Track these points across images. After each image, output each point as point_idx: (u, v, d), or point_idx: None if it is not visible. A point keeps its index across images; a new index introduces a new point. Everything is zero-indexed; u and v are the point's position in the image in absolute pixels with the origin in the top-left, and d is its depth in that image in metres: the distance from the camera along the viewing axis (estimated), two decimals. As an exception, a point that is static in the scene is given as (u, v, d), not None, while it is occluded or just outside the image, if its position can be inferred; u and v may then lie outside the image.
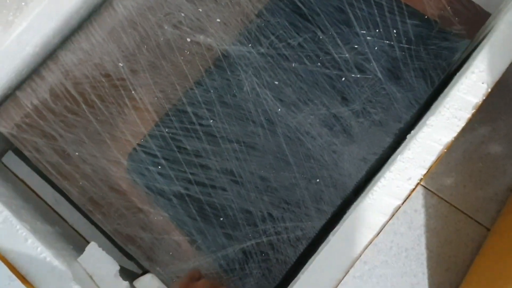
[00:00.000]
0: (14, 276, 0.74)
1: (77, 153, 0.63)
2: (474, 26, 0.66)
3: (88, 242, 0.69)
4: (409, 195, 0.54)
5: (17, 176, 0.72)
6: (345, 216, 0.58)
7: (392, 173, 0.55)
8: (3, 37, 0.59)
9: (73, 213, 0.70)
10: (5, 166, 0.72)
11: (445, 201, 0.90)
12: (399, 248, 0.88)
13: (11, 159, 0.73)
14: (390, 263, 0.88)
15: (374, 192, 0.54)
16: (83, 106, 0.64)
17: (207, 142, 0.63)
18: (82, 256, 0.56)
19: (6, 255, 0.53)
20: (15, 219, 0.55)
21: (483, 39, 0.64)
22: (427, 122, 0.57)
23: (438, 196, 0.90)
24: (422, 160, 0.56)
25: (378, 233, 0.53)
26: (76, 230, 0.71)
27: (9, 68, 0.63)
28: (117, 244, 0.63)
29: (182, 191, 0.62)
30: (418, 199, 0.90)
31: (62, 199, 0.71)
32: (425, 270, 0.87)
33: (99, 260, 0.57)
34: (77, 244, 0.66)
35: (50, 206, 0.71)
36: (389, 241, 0.88)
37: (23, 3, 0.58)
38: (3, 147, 0.71)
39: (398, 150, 0.60)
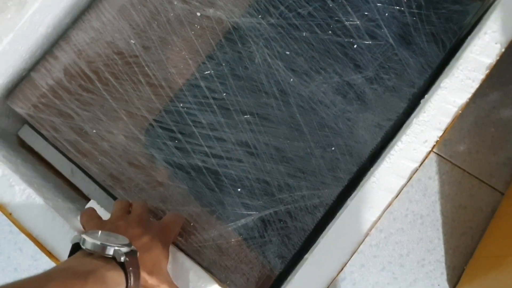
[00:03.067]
0: (38, 255, 0.76)
1: (94, 131, 0.64)
2: (485, -12, 0.66)
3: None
4: (426, 157, 0.55)
5: (33, 150, 0.72)
6: (362, 181, 0.59)
7: (408, 136, 0.55)
8: (16, 18, 0.60)
9: (90, 185, 0.71)
10: (21, 139, 0.73)
11: (459, 167, 0.90)
12: (415, 215, 0.89)
13: (27, 133, 0.73)
14: (406, 230, 0.89)
15: (392, 156, 0.55)
16: (98, 84, 0.65)
17: (221, 115, 0.64)
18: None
19: (32, 231, 0.54)
20: (38, 197, 0.56)
21: (494, 0, 0.63)
22: (441, 84, 0.57)
23: (451, 162, 0.90)
24: (438, 122, 0.56)
25: (397, 196, 0.54)
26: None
27: (23, 49, 0.64)
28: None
29: (200, 164, 0.63)
30: (432, 166, 0.90)
31: (79, 171, 0.71)
32: (441, 236, 0.88)
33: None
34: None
35: (68, 182, 0.72)
36: (404, 208, 0.89)
37: (34, -17, 0.58)
38: (19, 122, 0.72)
39: (414, 114, 0.61)
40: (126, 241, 0.47)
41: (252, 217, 0.61)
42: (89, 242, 0.44)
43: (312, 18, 0.66)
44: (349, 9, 0.66)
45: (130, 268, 0.44)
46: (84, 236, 0.45)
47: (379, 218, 0.53)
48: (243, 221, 0.61)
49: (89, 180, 0.70)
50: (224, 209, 0.61)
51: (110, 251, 0.44)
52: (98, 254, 0.44)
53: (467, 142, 0.91)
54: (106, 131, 0.64)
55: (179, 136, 0.63)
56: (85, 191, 0.70)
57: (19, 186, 0.56)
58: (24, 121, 0.73)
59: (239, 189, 0.62)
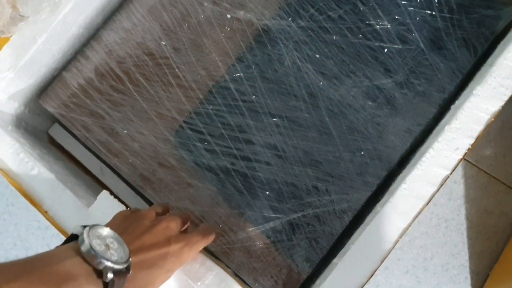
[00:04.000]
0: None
1: (125, 131, 0.64)
2: (519, -7, 0.65)
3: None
4: (457, 165, 0.55)
5: (62, 147, 0.74)
6: (392, 188, 0.59)
7: (440, 143, 0.55)
8: (50, 18, 0.61)
9: (119, 183, 0.72)
10: (51, 137, 0.74)
11: (484, 171, 0.90)
12: (439, 219, 0.89)
13: (57, 131, 0.74)
14: (430, 234, 0.89)
15: (423, 162, 0.55)
16: (129, 84, 0.65)
17: (250, 117, 0.64)
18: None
19: (66, 229, 0.55)
20: (72, 195, 0.57)
21: (529, 5, 0.63)
22: (474, 91, 0.57)
23: (477, 167, 0.90)
24: (470, 130, 0.56)
25: (427, 203, 0.54)
26: (124, 203, 0.73)
27: (55, 49, 0.65)
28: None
29: (228, 166, 0.63)
30: (458, 170, 0.90)
31: (107, 169, 0.72)
32: (465, 240, 0.88)
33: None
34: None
35: (97, 181, 0.73)
36: (429, 212, 0.89)
37: (69, -15, 0.59)
38: (49, 120, 0.73)
39: (444, 120, 0.61)
40: (126, 255, 0.40)
41: (280, 220, 0.61)
42: (85, 244, 0.38)
43: (343, 21, 0.65)
44: (380, 13, 0.65)
45: None
46: (85, 235, 0.38)
47: (409, 225, 0.53)
48: (271, 224, 0.61)
49: (118, 178, 0.71)
50: (252, 212, 0.62)
51: (100, 266, 0.37)
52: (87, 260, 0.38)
53: (493, 146, 0.90)
54: (137, 132, 0.64)
55: (209, 138, 0.64)
56: (114, 189, 0.71)
57: (54, 185, 0.57)
58: (54, 119, 0.74)
59: (267, 192, 0.62)
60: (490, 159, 0.91)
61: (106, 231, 0.41)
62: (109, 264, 0.37)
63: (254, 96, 0.65)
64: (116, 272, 0.38)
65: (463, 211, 0.89)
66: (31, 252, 0.89)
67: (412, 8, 0.65)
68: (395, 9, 0.65)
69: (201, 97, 0.65)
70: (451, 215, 0.89)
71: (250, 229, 0.61)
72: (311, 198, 0.62)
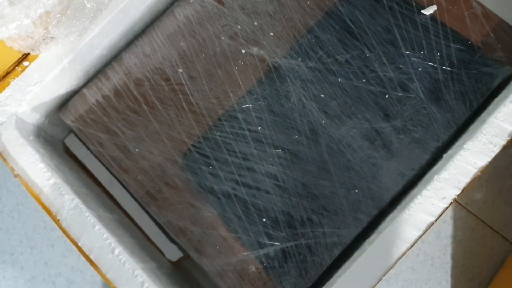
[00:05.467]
0: (68, 253, 0.81)
1: (137, 150, 0.69)
2: (516, 54, 0.69)
3: (141, 230, 0.76)
4: (442, 213, 0.59)
5: (76, 157, 0.78)
6: (380, 227, 0.63)
7: (428, 191, 0.59)
8: (78, 41, 0.65)
9: (125, 196, 0.76)
10: (66, 146, 0.79)
11: (473, 214, 0.94)
12: (426, 256, 0.92)
13: (72, 141, 0.79)
14: (416, 269, 0.92)
15: (411, 208, 0.59)
16: (144, 106, 0.70)
17: (254, 147, 0.68)
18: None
19: (76, 238, 0.60)
20: (84, 206, 0.61)
21: (524, 67, 0.67)
22: (464, 146, 0.61)
23: (467, 209, 0.94)
24: (457, 182, 0.60)
25: (411, 246, 0.58)
26: (129, 216, 0.78)
27: (79, 68, 0.69)
28: (160, 227, 0.68)
29: (230, 190, 0.67)
30: (448, 211, 0.93)
31: (116, 182, 0.77)
32: (449, 279, 0.91)
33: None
34: (132, 231, 0.73)
35: (106, 192, 0.77)
36: (416, 248, 0.93)
37: (98, 12, 0.64)
38: (66, 130, 0.78)
39: (435, 168, 0.65)
40: None
41: (274, 248, 0.65)
42: None
43: (349, 66, 0.70)
44: (385, 61, 0.70)
45: None
46: None
47: (393, 265, 0.57)
48: (265, 250, 0.65)
49: (125, 191, 0.76)
50: (248, 237, 0.66)
51: None
52: None
53: (484, 191, 0.94)
54: (148, 151, 0.69)
55: (214, 162, 0.68)
56: (121, 201, 0.75)
57: (69, 196, 0.62)
58: (70, 130, 0.79)
59: (264, 219, 0.66)
60: (480, 203, 0.94)
61: None
62: None
63: (260, 127, 0.69)
64: None
65: (449, 251, 0.92)
66: (36, 251, 0.94)
67: (415, 59, 0.70)
68: (400, 58, 0.70)
69: (211, 123, 0.69)
70: (437, 253, 0.93)
71: (245, 253, 0.65)
72: (305, 229, 0.66)
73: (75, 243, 0.59)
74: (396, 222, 0.59)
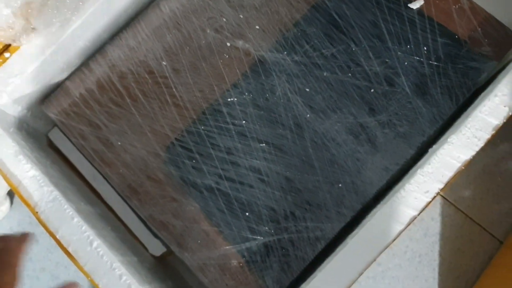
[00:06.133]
0: (53, 249, 0.80)
1: (119, 143, 0.68)
2: (502, 49, 0.69)
3: (121, 222, 0.75)
4: (425, 206, 0.58)
5: (60, 151, 0.77)
6: (363, 221, 0.62)
7: (411, 185, 0.59)
8: (60, 32, 0.65)
9: (109, 190, 0.75)
10: (50, 140, 0.78)
11: (462, 212, 0.93)
12: (413, 253, 0.92)
13: (56, 135, 0.78)
14: (403, 267, 0.92)
15: (393, 202, 0.58)
16: (127, 99, 0.69)
17: (238, 141, 0.68)
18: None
19: (54, 230, 0.59)
20: (63, 199, 0.60)
21: (509, 62, 0.66)
22: (448, 139, 0.60)
23: (455, 206, 0.93)
24: (441, 175, 0.59)
25: (394, 240, 0.57)
26: (112, 210, 0.77)
27: (62, 60, 0.68)
28: (144, 221, 0.68)
29: (213, 185, 0.67)
30: (436, 208, 0.93)
31: (100, 176, 0.76)
32: (436, 276, 0.91)
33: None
34: (114, 224, 0.72)
35: (89, 186, 0.76)
36: (404, 246, 0.92)
37: (80, 3, 0.63)
38: (50, 124, 0.77)
39: (419, 163, 0.64)
40: None
41: (256, 242, 0.65)
42: None
43: (335, 60, 0.69)
44: (371, 55, 0.69)
45: None
46: None
47: (374, 259, 0.56)
48: (247, 244, 0.65)
49: (109, 186, 0.75)
50: (231, 231, 0.65)
51: None
52: None
53: (472, 188, 0.93)
54: (130, 145, 0.68)
55: (197, 156, 0.68)
56: (104, 196, 0.75)
57: (48, 188, 0.61)
58: (54, 123, 0.78)
59: (247, 213, 0.66)
60: (468, 200, 0.94)
61: None
62: None
63: (244, 121, 0.68)
64: None
65: (437, 248, 0.92)
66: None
67: (401, 53, 0.69)
68: (386, 52, 0.69)
69: (194, 117, 0.68)
70: (425, 251, 0.92)
71: (227, 247, 0.65)
72: (287, 223, 0.65)
73: (53, 235, 0.58)
74: (379, 216, 0.58)
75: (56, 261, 0.88)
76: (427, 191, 0.58)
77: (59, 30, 0.65)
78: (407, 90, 0.68)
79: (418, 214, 0.58)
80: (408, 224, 0.57)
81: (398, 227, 0.58)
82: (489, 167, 0.95)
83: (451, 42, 0.70)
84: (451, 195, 0.94)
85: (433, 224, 0.93)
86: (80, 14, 0.65)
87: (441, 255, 0.91)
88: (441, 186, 0.59)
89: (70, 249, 0.57)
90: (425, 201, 0.58)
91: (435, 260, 0.91)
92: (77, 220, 0.59)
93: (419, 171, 0.59)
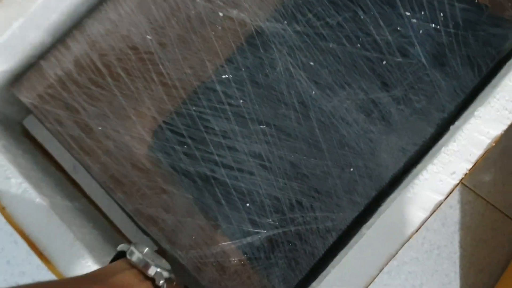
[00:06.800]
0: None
1: (100, 128, 0.60)
2: (530, 12, 0.61)
3: (107, 219, 0.67)
4: (452, 190, 0.50)
5: (36, 140, 0.69)
6: (380, 209, 0.54)
7: (435, 166, 0.51)
8: (29, 2, 0.57)
9: (91, 183, 0.68)
10: (25, 129, 0.70)
11: (482, 198, 0.86)
12: (431, 245, 0.84)
13: (32, 123, 0.70)
14: (421, 260, 0.84)
15: (415, 185, 0.51)
16: (108, 79, 0.61)
17: (235, 123, 0.60)
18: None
19: (24, 228, 0.51)
20: (34, 192, 0.52)
21: (540, 26, 0.59)
22: (475, 113, 0.53)
23: (475, 192, 0.85)
24: (468, 154, 0.52)
25: (417, 230, 0.49)
26: (95, 204, 0.69)
27: (33, 36, 0.60)
28: (130, 216, 0.60)
29: (208, 173, 0.59)
30: (454, 194, 0.85)
31: (81, 168, 0.68)
32: (457, 270, 0.83)
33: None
34: (97, 221, 0.64)
35: (69, 178, 0.69)
36: (421, 237, 0.84)
37: (51, -33, 0.55)
38: (25, 110, 0.69)
39: (441, 141, 0.57)
40: (168, 266, 0.46)
41: (259, 236, 0.57)
42: (136, 255, 0.44)
43: (341, 29, 0.62)
44: (381, 23, 0.61)
45: None
46: (132, 247, 0.45)
47: (396, 252, 0.49)
48: (249, 239, 0.57)
49: (91, 178, 0.67)
50: (229, 225, 0.57)
51: (152, 272, 0.43)
52: (139, 269, 0.43)
53: (493, 172, 0.86)
54: (112, 130, 0.60)
55: (189, 141, 0.60)
56: (86, 189, 0.67)
57: (16, 179, 0.53)
58: (30, 111, 0.70)
59: (247, 204, 0.58)
60: (489, 185, 0.86)
61: (145, 249, 0.46)
62: (159, 270, 0.44)
63: (241, 101, 0.60)
64: (166, 279, 0.44)
65: (457, 239, 0.84)
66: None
67: (415, 20, 0.61)
68: (398, 20, 0.62)
69: (185, 97, 0.61)
70: (444, 242, 0.84)
71: (226, 243, 0.57)
72: (294, 214, 0.57)
73: (21, 233, 0.50)
74: (399, 202, 0.50)
75: (37, 263, 0.80)
76: (453, 172, 0.51)
77: (26, 0, 0.56)
78: (423, 61, 0.61)
79: (444, 199, 0.50)
80: (433, 211, 0.50)
81: (422, 215, 0.50)
82: (510, 149, 0.87)
83: (470, 7, 0.62)
84: (470, 180, 0.86)
85: (452, 213, 0.85)
86: (51, -20, 0.57)
87: (462, 246, 0.84)
88: (469, 166, 0.51)
89: (41, 249, 0.49)
90: (452, 183, 0.51)
91: (455, 252, 0.84)
92: (51, 217, 0.51)
93: (443, 149, 0.51)
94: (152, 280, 0.43)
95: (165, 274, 0.44)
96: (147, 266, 0.43)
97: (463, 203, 0.86)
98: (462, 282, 0.82)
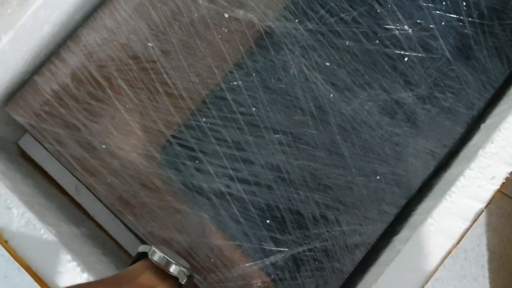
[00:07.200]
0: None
1: (103, 146, 0.56)
2: (560, -3, 0.57)
3: (116, 242, 0.63)
4: (493, 197, 0.46)
5: (34, 162, 0.65)
6: (412, 219, 0.50)
7: (472, 170, 0.47)
8: (18, 13, 0.52)
9: (96, 204, 0.64)
10: (22, 149, 0.65)
11: (508, 196, 0.81)
12: (457, 249, 0.80)
13: (29, 142, 0.66)
14: (447, 266, 0.80)
15: (452, 193, 0.47)
16: (109, 92, 0.57)
17: (249, 133, 0.56)
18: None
19: (30, 263, 0.47)
20: (38, 222, 0.48)
21: None
22: (512, 110, 0.49)
23: (499, 190, 0.81)
24: (508, 156, 0.47)
25: (458, 242, 0.45)
26: (101, 227, 0.65)
27: (25, 49, 0.56)
28: (141, 239, 0.56)
29: (223, 189, 0.55)
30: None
31: (84, 188, 0.64)
32: (486, 274, 0.79)
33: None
34: (106, 246, 0.60)
35: (72, 200, 0.64)
36: (446, 241, 0.80)
37: (40, -26, 0.50)
38: (20, 129, 0.65)
39: (473, 141, 0.52)
40: (187, 265, 0.47)
41: (283, 255, 0.53)
42: (158, 254, 0.45)
43: (357, 25, 0.57)
44: (400, 16, 0.57)
45: None
46: (154, 248, 0.46)
47: (437, 268, 0.45)
48: (272, 258, 0.53)
49: (95, 198, 0.62)
50: (250, 244, 0.53)
51: (175, 270, 0.45)
52: (161, 269, 0.44)
53: (517, 168, 0.82)
54: (117, 147, 0.56)
55: (200, 155, 0.55)
56: (90, 211, 0.62)
57: (18, 209, 0.49)
58: (26, 129, 0.65)
59: (268, 221, 0.54)
60: (514, 182, 0.82)
61: (163, 249, 0.46)
62: (181, 268, 0.45)
63: (254, 108, 0.56)
64: (187, 277, 0.45)
65: (484, 241, 0.80)
66: (1, 275, 0.80)
67: (436, 12, 0.57)
68: (417, 12, 0.57)
69: (193, 107, 0.56)
70: (470, 245, 0.80)
71: (247, 264, 0.53)
72: (318, 229, 0.53)
73: (26, 267, 0.46)
74: (436, 213, 0.46)
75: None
76: (493, 177, 0.47)
77: (16, 10, 0.52)
78: (448, 55, 0.56)
79: (485, 207, 0.46)
80: (474, 221, 0.46)
81: (462, 225, 0.46)
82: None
83: (495, -6, 0.58)
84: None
85: (477, 213, 0.81)
86: (41, -12, 0.52)
87: (490, 249, 0.80)
88: (510, 169, 0.47)
89: (49, 284, 0.45)
90: (492, 189, 0.47)
91: (483, 255, 0.80)
92: (58, 248, 0.47)
93: (480, 152, 0.47)
94: (174, 278, 0.45)
95: (186, 272, 0.46)
96: (169, 264, 0.44)
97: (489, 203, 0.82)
98: (491, 286, 0.78)
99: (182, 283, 0.45)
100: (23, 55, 0.56)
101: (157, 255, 0.45)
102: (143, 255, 0.46)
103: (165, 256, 0.45)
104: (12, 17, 0.52)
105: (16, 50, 0.54)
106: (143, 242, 0.62)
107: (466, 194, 0.46)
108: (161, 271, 0.44)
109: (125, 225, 0.61)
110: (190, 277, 0.46)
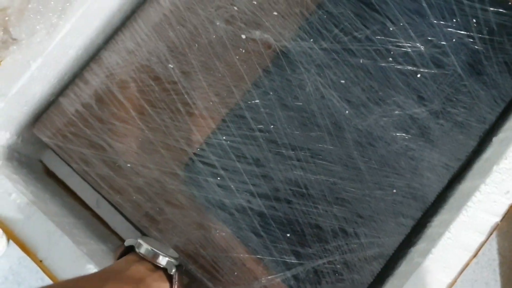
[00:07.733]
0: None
1: (128, 165, 0.58)
2: None
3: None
4: (507, 211, 0.48)
5: (57, 177, 0.67)
6: (429, 232, 0.52)
7: (488, 186, 0.49)
8: (47, 41, 0.54)
9: (115, 217, 0.66)
10: (45, 166, 0.68)
11: (519, 202, 0.83)
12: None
13: (50, 158, 0.68)
14: (461, 271, 0.82)
15: (469, 208, 0.48)
16: (132, 112, 0.59)
17: (268, 149, 0.58)
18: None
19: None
20: (70, 241, 0.50)
21: None
22: (524, 125, 0.50)
23: (510, 196, 0.83)
24: (521, 170, 0.49)
25: (475, 255, 0.47)
26: (120, 238, 0.67)
27: (51, 74, 0.58)
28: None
29: (244, 204, 0.57)
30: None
31: (104, 201, 0.66)
32: (498, 278, 0.81)
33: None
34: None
35: (95, 215, 0.66)
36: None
37: (67, 4, 0.52)
38: (43, 147, 0.67)
39: (486, 155, 0.54)
40: (176, 255, 0.48)
41: (304, 267, 0.55)
42: (144, 247, 0.46)
43: (370, 43, 0.59)
44: (412, 34, 0.59)
45: (177, 282, 0.46)
46: (140, 240, 0.47)
47: (455, 280, 0.47)
48: (293, 271, 0.55)
49: (115, 211, 0.65)
50: (271, 257, 0.55)
51: (163, 261, 0.46)
52: (148, 260, 0.45)
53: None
54: (142, 166, 0.58)
55: (222, 172, 0.57)
56: (111, 223, 0.65)
57: (51, 230, 0.51)
58: (53, 150, 0.68)
59: (288, 235, 0.56)
60: (524, 187, 0.84)
61: (150, 241, 0.48)
62: (169, 259, 0.46)
63: (272, 126, 0.58)
64: (176, 266, 0.46)
65: (494, 245, 0.82)
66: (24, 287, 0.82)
67: (447, 29, 0.59)
68: (429, 29, 0.59)
69: (213, 126, 0.58)
70: (482, 250, 0.82)
71: (269, 277, 0.55)
72: (337, 242, 0.55)
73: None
74: (453, 227, 0.48)
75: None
76: (507, 192, 0.49)
77: (44, 38, 0.54)
78: (459, 71, 0.58)
79: (500, 221, 0.48)
80: (490, 234, 0.48)
81: (479, 239, 0.48)
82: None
83: (504, 10, 0.59)
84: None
85: (488, 219, 0.82)
86: (68, 17, 0.54)
87: (500, 253, 0.82)
88: (523, 183, 0.49)
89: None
90: (507, 203, 0.48)
91: (494, 259, 0.81)
92: (90, 266, 0.49)
93: (495, 167, 0.49)
94: (163, 269, 0.46)
95: (175, 262, 0.46)
96: (156, 256, 0.46)
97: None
98: (505, 290, 0.80)
99: (171, 273, 0.45)
100: (49, 79, 0.58)
101: (143, 248, 0.46)
102: (131, 249, 0.47)
103: (153, 248, 0.46)
104: (41, 45, 0.54)
105: (43, 75, 0.57)
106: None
107: (482, 208, 0.48)
108: (149, 263, 0.45)
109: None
110: (179, 267, 0.47)
